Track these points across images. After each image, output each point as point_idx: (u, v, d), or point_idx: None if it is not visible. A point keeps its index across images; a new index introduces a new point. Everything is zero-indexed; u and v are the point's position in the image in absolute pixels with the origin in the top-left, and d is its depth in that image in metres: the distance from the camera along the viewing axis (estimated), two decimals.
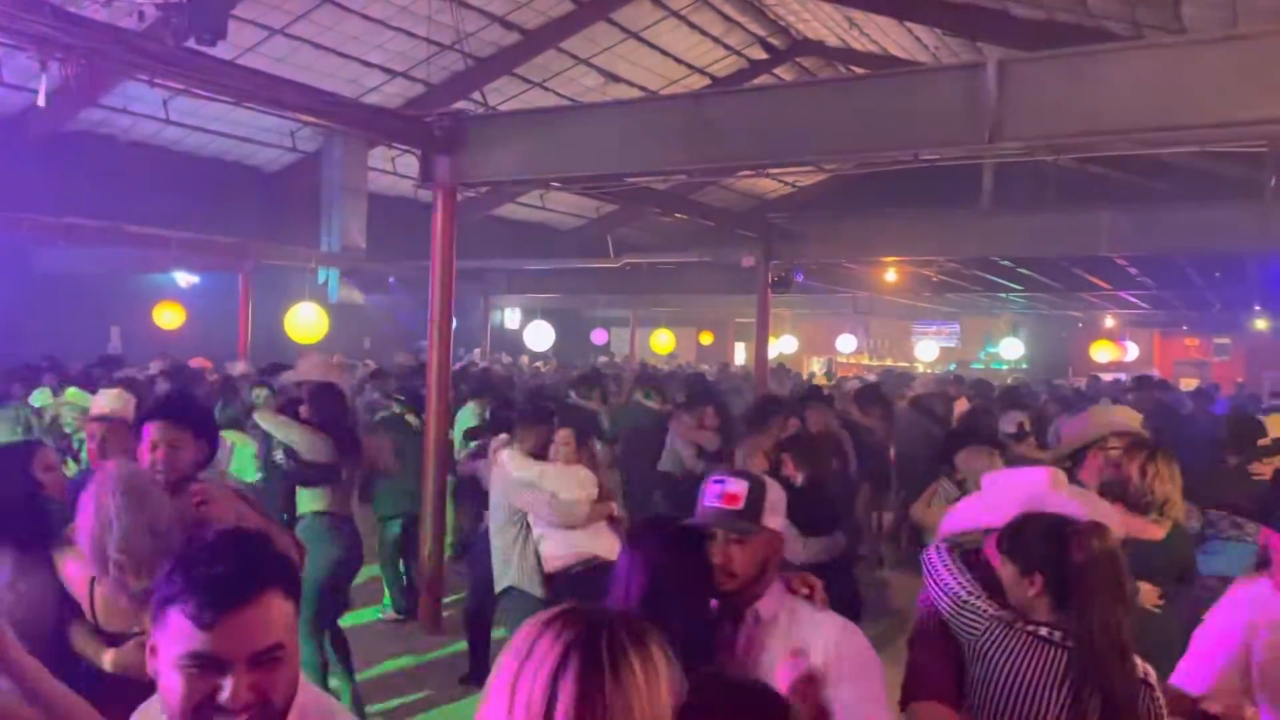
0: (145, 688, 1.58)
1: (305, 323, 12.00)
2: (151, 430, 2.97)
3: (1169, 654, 2.70)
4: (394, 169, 14.00)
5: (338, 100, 6.82)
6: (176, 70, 5.41)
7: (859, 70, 14.32)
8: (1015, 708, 2.21)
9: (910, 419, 9.13)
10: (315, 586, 4.83)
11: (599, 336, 23.48)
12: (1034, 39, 9.67)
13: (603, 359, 20.67)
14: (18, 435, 5.77)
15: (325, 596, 5.01)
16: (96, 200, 11.05)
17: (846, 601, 6.45)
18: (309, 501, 5.23)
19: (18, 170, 10.69)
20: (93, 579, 2.60)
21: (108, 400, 4.16)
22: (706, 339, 25.82)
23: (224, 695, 1.35)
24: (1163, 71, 4.89)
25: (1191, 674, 2.63)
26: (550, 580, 4.72)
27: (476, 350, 16.89)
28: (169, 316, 12.67)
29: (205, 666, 1.35)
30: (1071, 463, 4.51)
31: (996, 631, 2.29)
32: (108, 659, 2.58)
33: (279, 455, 5.43)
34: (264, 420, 5.56)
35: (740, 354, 26.10)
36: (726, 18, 14.16)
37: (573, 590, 4.31)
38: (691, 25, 13.96)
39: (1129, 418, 5.11)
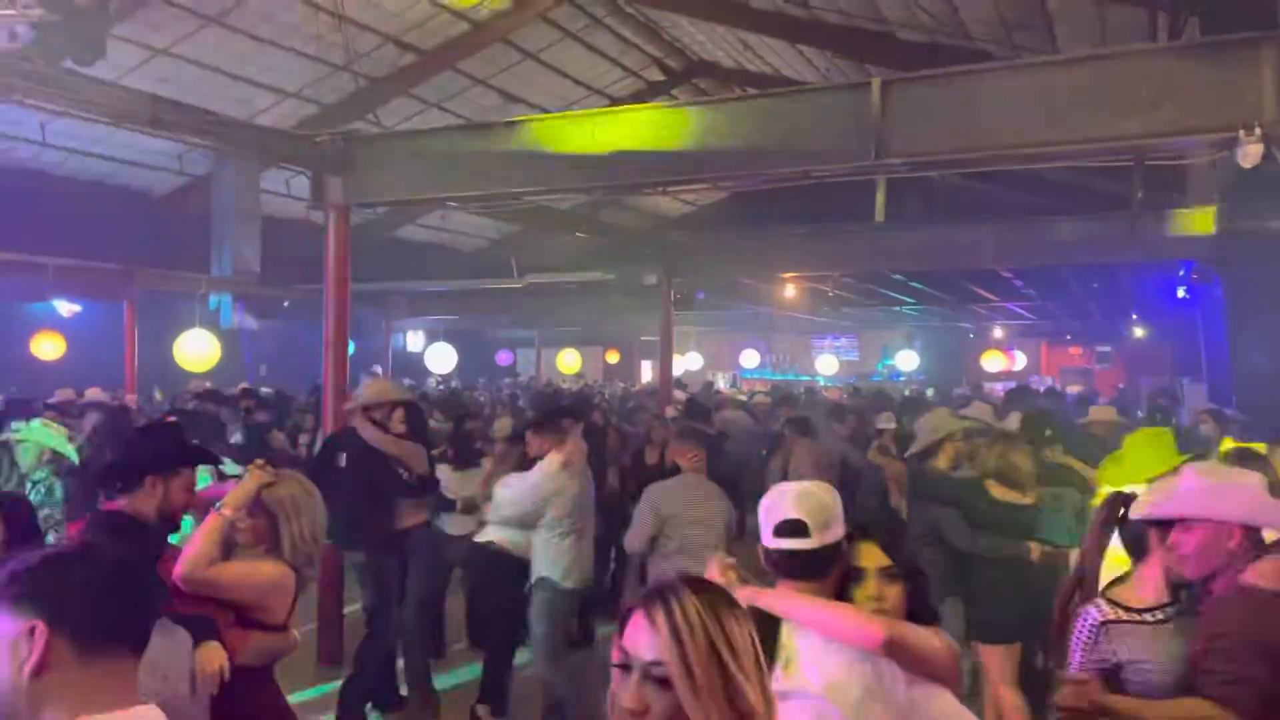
0: None
1: (196, 351, 11.63)
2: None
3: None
4: (288, 191, 13.68)
5: (222, 120, 6.65)
6: (51, 90, 5.21)
7: (753, 91, 14.61)
8: None
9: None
10: (430, 594, 5.99)
11: (504, 358, 23.32)
12: (918, 61, 10.03)
13: (509, 378, 20.54)
14: None
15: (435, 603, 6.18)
16: None
17: None
18: (416, 513, 5.82)
19: None
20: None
21: None
22: (613, 358, 25.90)
23: None
24: (1036, 90, 5.12)
25: None
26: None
27: (377, 366, 16.57)
28: (48, 347, 12.11)
29: None
30: (925, 453, 5.58)
31: None
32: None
33: None
34: (378, 442, 5.66)
35: (647, 371, 26.23)
36: (623, 39, 14.29)
37: None
38: (589, 47, 14.04)
39: (981, 412, 6.68)
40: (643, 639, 1.43)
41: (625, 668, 1.44)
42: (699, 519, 5.03)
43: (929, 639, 2.26)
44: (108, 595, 1.51)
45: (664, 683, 1.41)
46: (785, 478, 7.10)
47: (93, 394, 10.63)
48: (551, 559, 5.19)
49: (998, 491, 4.76)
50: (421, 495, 5.87)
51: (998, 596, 4.68)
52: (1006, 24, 9.74)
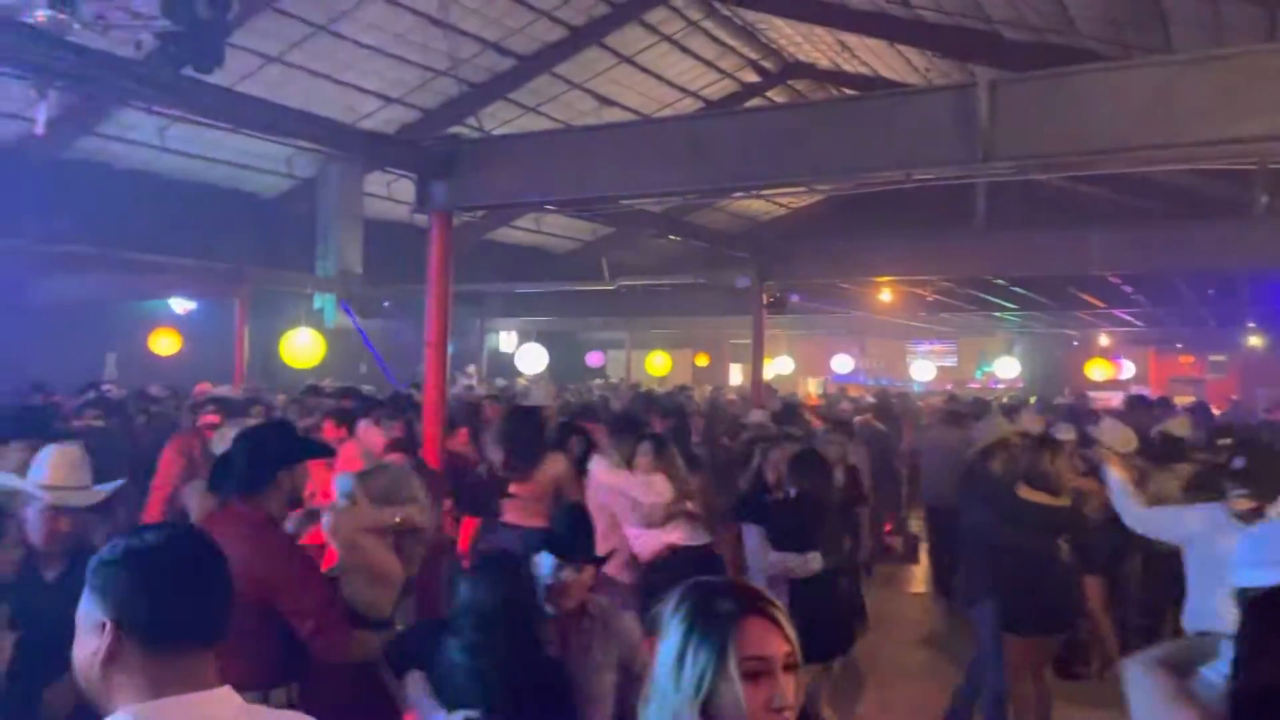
0: None
1: (301, 348, 12.03)
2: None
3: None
4: (389, 194, 14.06)
5: (334, 126, 6.86)
6: (175, 98, 5.45)
7: (850, 92, 14.43)
8: None
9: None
10: None
11: (594, 359, 23.49)
12: (1024, 61, 9.77)
13: (599, 379, 20.66)
14: None
15: None
16: (93, 228, 11.06)
17: (856, 609, 6.89)
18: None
19: (14, 199, 10.68)
20: None
21: None
22: (702, 361, 25.82)
23: None
24: (1150, 91, 4.94)
25: None
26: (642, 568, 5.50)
27: (471, 366, 16.85)
28: (165, 343, 12.67)
29: None
30: (984, 455, 5.98)
31: None
32: None
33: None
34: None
35: (736, 375, 26.10)
36: (719, 42, 14.28)
37: (662, 573, 5.32)
38: (684, 49, 14.07)
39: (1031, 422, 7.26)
40: (774, 637, 1.52)
41: (764, 674, 1.49)
42: None
43: None
44: (171, 597, 1.53)
45: (788, 669, 1.51)
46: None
47: (202, 389, 11.08)
48: None
49: (1026, 492, 5.00)
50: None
51: (1024, 590, 4.93)
52: (1117, 23, 9.42)
